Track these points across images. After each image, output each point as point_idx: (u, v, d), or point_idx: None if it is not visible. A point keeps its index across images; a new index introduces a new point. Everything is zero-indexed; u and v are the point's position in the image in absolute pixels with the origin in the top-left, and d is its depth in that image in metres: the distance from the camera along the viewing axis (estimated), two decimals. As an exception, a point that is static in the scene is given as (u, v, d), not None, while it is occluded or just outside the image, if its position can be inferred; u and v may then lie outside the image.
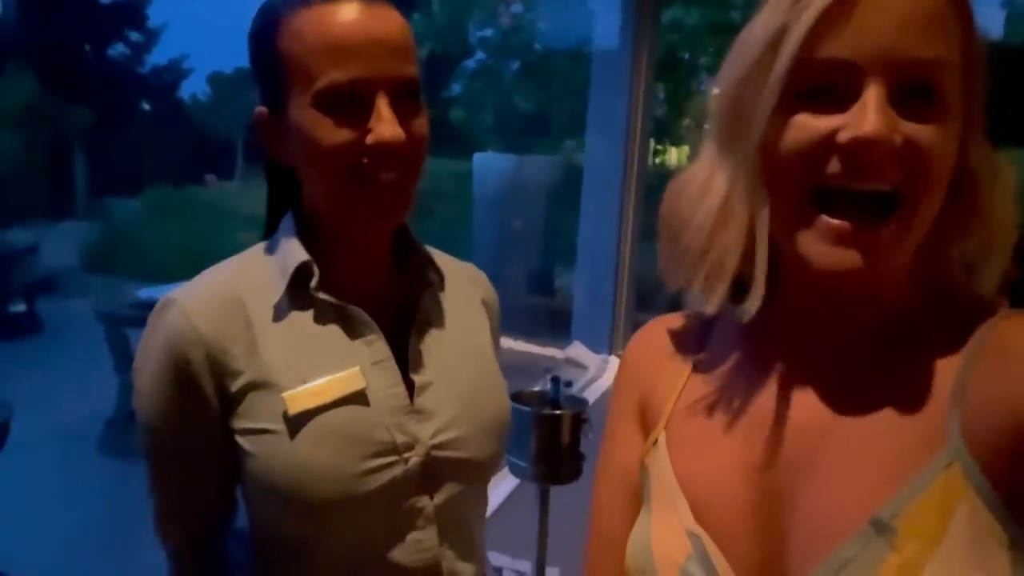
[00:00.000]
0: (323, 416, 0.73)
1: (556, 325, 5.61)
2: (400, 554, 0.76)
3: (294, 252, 0.76)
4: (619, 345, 4.99)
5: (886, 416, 0.53)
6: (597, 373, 4.58)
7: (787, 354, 0.59)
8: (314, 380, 0.73)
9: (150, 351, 0.75)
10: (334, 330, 0.77)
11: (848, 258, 0.50)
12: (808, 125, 0.51)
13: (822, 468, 0.54)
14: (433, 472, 0.77)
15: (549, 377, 1.64)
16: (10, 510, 3.02)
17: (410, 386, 0.78)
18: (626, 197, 4.94)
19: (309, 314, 0.76)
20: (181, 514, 0.81)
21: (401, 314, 0.82)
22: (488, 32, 12.04)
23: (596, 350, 4.91)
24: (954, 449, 0.49)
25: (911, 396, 0.52)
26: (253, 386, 0.73)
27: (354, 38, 0.69)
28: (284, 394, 0.72)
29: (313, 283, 0.75)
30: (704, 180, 0.59)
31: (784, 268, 0.59)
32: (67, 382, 4.73)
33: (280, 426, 0.72)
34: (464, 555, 0.82)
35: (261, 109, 0.76)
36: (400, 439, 0.75)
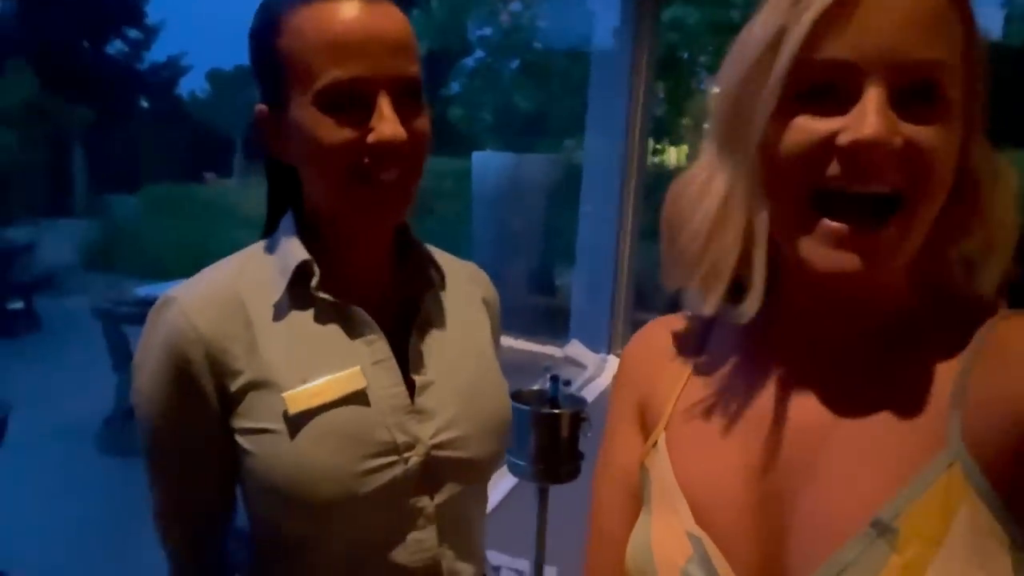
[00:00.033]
0: (323, 416, 0.72)
1: (556, 324, 5.61)
2: (400, 554, 0.76)
3: (294, 251, 0.76)
4: (618, 344, 5.00)
5: (886, 417, 0.53)
6: (596, 372, 4.58)
7: (787, 355, 0.59)
8: (314, 380, 0.73)
9: (149, 350, 0.75)
10: (334, 329, 0.76)
11: (848, 261, 0.50)
12: (808, 127, 0.50)
13: (822, 469, 0.54)
14: (433, 472, 0.77)
15: (548, 376, 1.65)
16: (9, 508, 3.01)
17: (410, 386, 0.78)
18: (625, 196, 4.94)
19: (309, 313, 0.76)
20: (181, 513, 0.81)
21: (401, 313, 0.82)
22: (487, 30, 12.03)
23: (595, 349, 4.91)
24: (954, 450, 0.49)
25: (911, 397, 0.52)
26: (253, 385, 0.73)
27: (355, 36, 0.69)
28: (284, 394, 0.72)
29: (313, 282, 0.75)
30: (704, 181, 0.58)
31: (784, 270, 0.59)
32: (65, 380, 4.73)
33: (280, 426, 0.72)
34: (464, 555, 0.82)
35: (261, 107, 0.76)
36: (400, 439, 0.75)
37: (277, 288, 0.76)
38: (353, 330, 0.77)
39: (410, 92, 0.72)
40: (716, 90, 0.58)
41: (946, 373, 0.52)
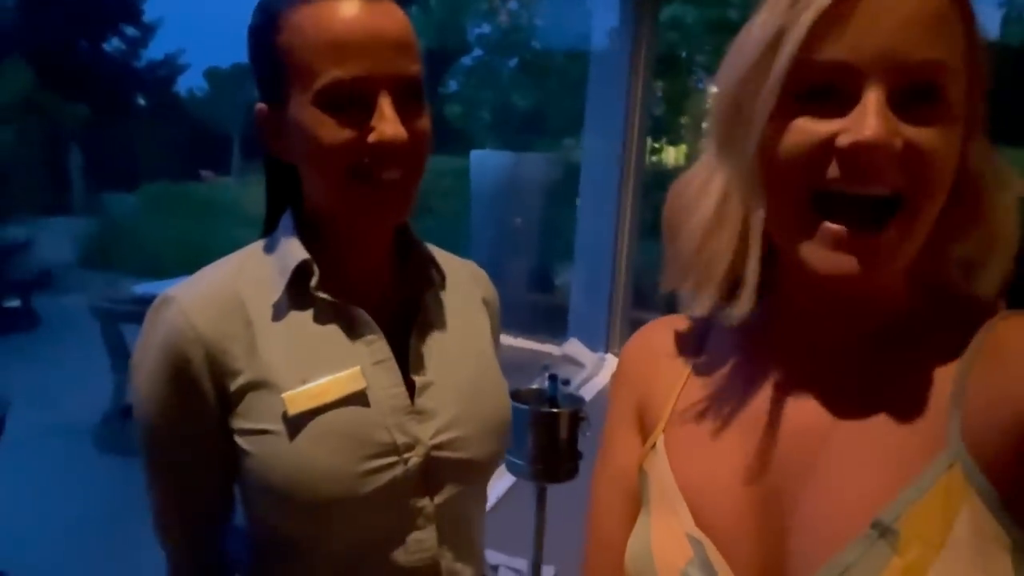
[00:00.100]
0: (323, 417, 0.72)
1: (554, 322, 5.61)
2: (399, 554, 0.76)
3: (294, 251, 0.76)
4: (616, 343, 5.01)
5: (886, 418, 0.53)
6: (594, 371, 4.59)
7: (786, 357, 0.59)
8: (314, 380, 0.73)
9: (148, 349, 0.74)
10: (334, 330, 0.76)
11: (848, 263, 0.50)
12: (807, 129, 0.50)
13: (822, 471, 0.54)
14: (433, 472, 0.77)
15: (547, 375, 1.65)
16: (6, 506, 3.01)
17: (410, 386, 0.78)
18: (623, 195, 4.95)
19: (309, 313, 0.76)
20: (179, 513, 0.81)
21: (401, 313, 0.81)
22: (486, 29, 12.03)
23: (593, 348, 4.92)
24: (954, 450, 0.49)
25: (911, 398, 0.52)
26: (252, 386, 0.73)
27: (356, 35, 0.69)
28: (284, 395, 0.71)
29: (313, 282, 0.75)
30: (703, 182, 0.58)
31: (783, 271, 0.58)
32: (63, 378, 4.71)
33: (279, 427, 0.71)
34: (463, 555, 0.81)
35: (261, 106, 0.76)
36: (400, 439, 0.75)
37: (276, 288, 0.75)
38: (353, 330, 0.77)
39: (411, 91, 0.72)
40: (715, 90, 0.58)
41: (946, 374, 0.52)
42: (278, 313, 0.75)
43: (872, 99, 0.48)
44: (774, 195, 0.53)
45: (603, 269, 5.05)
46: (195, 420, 0.74)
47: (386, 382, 0.76)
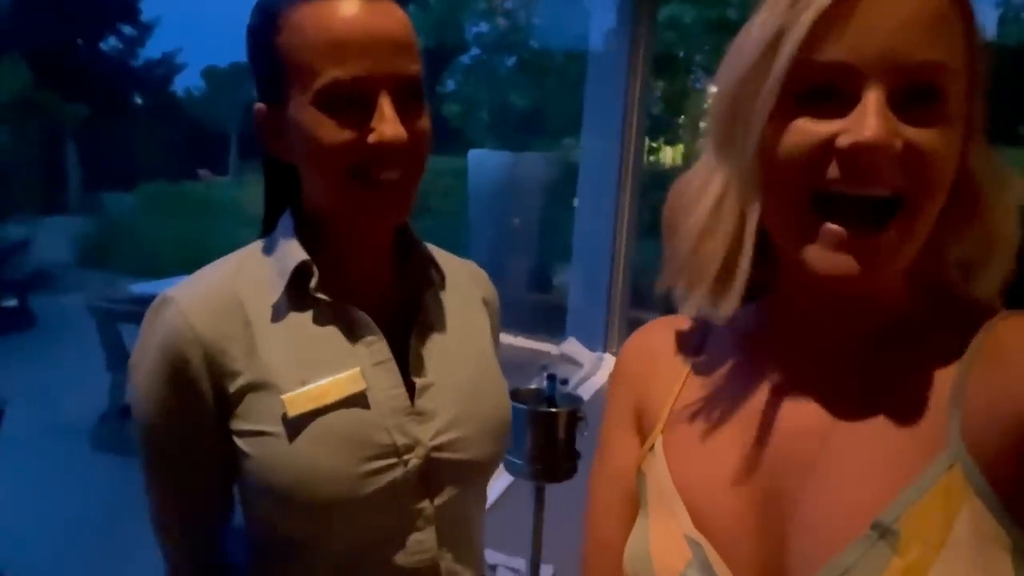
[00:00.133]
0: (323, 419, 0.72)
1: (552, 321, 5.62)
2: (399, 555, 0.76)
3: (293, 252, 0.75)
4: (614, 342, 5.01)
5: (885, 419, 0.52)
6: (592, 370, 4.59)
7: (785, 357, 0.59)
8: (314, 382, 0.72)
9: (147, 350, 0.74)
10: (334, 331, 0.76)
11: (848, 264, 0.50)
12: (807, 129, 0.50)
13: (821, 471, 0.53)
14: (433, 473, 0.76)
15: (545, 375, 1.65)
16: (3, 506, 3.00)
17: (410, 387, 0.77)
18: (621, 194, 4.95)
19: (308, 315, 0.75)
20: (178, 514, 0.80)
21: (401, 312, 0.81)
22: (483, 27, 12.03)
23: (591, 347, 4.92)
24: (954, 451, 0.49)
25: (910, 399, 0.52)
26: (251, 387, 0.72)
27: (356, 35, 0.68)
28: (283, 396, 0.71)
29: (313, 283, 0.74)
30: (702, 182, 0.58)
31: (783, 271, 0.58)
32: (60, 377, 4.70)
33: (279, 429, 0.71)
34: (463, 556, 0.81)
35: (260, 106, 0.75)
36: (400, 441, 0.75)
37: (276, 289, 0.75)
38: (353, 331, 0.76)
39: (411, 92, 0.71)
40: (714, 90, 0.58)
41: (945, 374, 0.52)
42: (277, 314, 0.75)
43: (872, 99, 0.48)
44: (774, 196, 0.53)
45: (601, 268, 5.05)
46: (193, 421, 0.73)
47: (386, 383, 0.76)
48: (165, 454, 0.77)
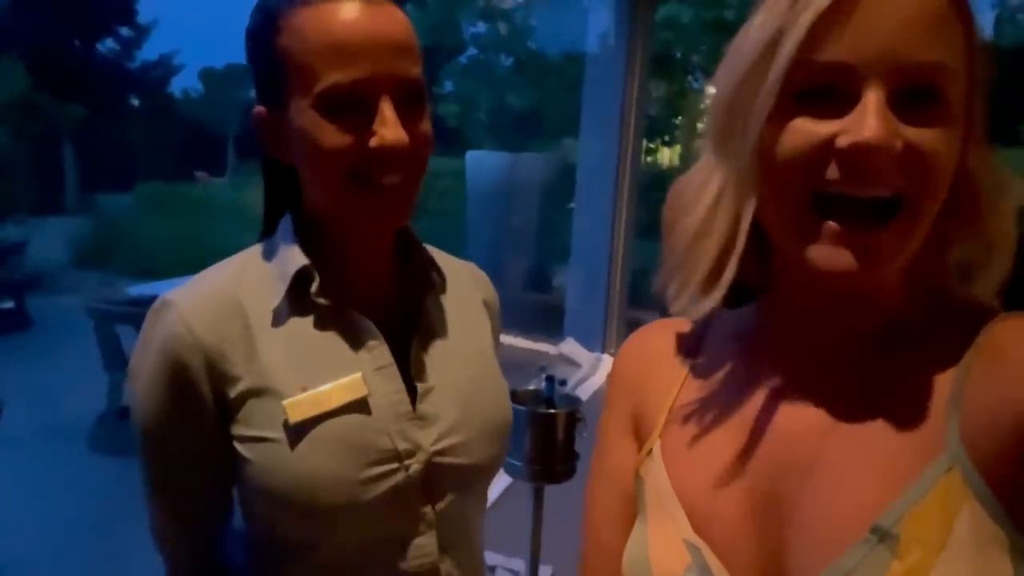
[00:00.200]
0: (324, 425, 0.71)
1: (551, 322, 5.62)
2: (400, 560, 0.76)
3: (293, 256, 0.75)
4: (612, 342, 5.01)
5: (884, 421, 0.52)
6: (590, 370, 4.59)
7: (784, 359, 0.59)
8: (315, 387, 0.72)
9: (146, 354, 0.74)
10: (335, 336, 0.75)
11: (847, 260, 0.50)
12: (806, 129, 0.50)
13: (820, 474, 0.53)
14: (435, 478, 0.76)
15: (543, 376, 1.65)
16: (1, 507, 3.00)
17: (411, 391, 0.77)
18: (619, 195, 4.96)
19: (309, 319, 0.75)
20: (177, 518, 0.80)
21: (402, 314, 0.81)
22: (481, 28, 12.03)
23: (589, 347, 4.92)
24: (953, 453, 0.49)
25: (909, 401, 0.52)
26: (252, 392, 0.72)
27: (357, 38, 0.68)
28: (284, 402, 0.71)
29: (313, 288, 0.74)
30: (700, 183, 0.58)
31: (782, 271, 0.58)
32: (57, 379, 4.70)
33: (280, 434, 0.71)
34: (463, 560, 0.81)
35: (260, 109, 0.75)
36: (402, 446, 0.74)
37: (276, 293, 0.74)
38: (354, 336, 0.76)
39: (412, 94, 0.71)
40: (712, 91, 0.57)
41: (944, 376, 0.52)
42: (278, 319, 0.74)
43: (872, 100, 0.47)
44: (774, 196, 0.53)
45: (599, 269, 5.05)
46: (193, 425, 0.73)
47: (388, 388, 0.75)
48: (164, 458, 0.76)
